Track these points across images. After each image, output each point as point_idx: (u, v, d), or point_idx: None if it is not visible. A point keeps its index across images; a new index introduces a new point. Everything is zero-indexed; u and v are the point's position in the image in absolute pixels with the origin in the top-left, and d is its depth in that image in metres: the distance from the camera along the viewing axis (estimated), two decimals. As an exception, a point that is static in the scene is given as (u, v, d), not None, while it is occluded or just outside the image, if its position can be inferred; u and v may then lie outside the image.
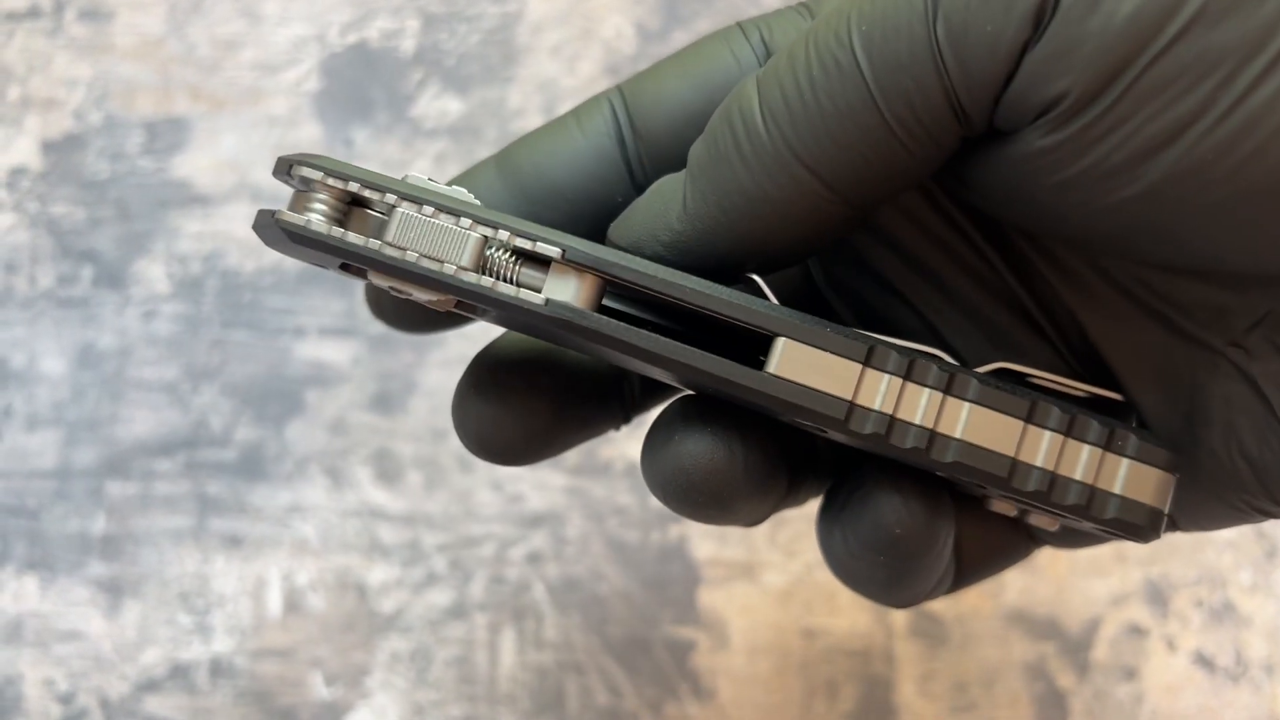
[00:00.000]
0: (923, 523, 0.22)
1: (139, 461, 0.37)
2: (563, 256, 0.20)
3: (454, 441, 0.37)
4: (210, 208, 0.39)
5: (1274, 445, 0.21)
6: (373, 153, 0.39)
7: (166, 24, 0.40)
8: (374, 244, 0.20)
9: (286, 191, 0.39)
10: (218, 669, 0.35)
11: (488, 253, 0.20)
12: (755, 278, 0.21)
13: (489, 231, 0.20)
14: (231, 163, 0.39)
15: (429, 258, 0.20)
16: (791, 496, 0.24)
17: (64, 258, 0.38)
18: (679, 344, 0.20)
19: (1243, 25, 0.17)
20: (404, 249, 0.20)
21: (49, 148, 0.39)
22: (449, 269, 0.20)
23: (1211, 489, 0.22)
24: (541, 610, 0.36)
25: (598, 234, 0.23)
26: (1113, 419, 0.21)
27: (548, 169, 0.23)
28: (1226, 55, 0.17)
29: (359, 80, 0.40)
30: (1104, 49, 0.18)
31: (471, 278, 0.20)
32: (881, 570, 0.22)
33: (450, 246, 0.20)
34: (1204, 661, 0.36)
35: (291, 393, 0.37)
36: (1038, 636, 0.36)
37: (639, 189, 0.23)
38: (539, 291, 0.20)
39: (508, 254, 0.20)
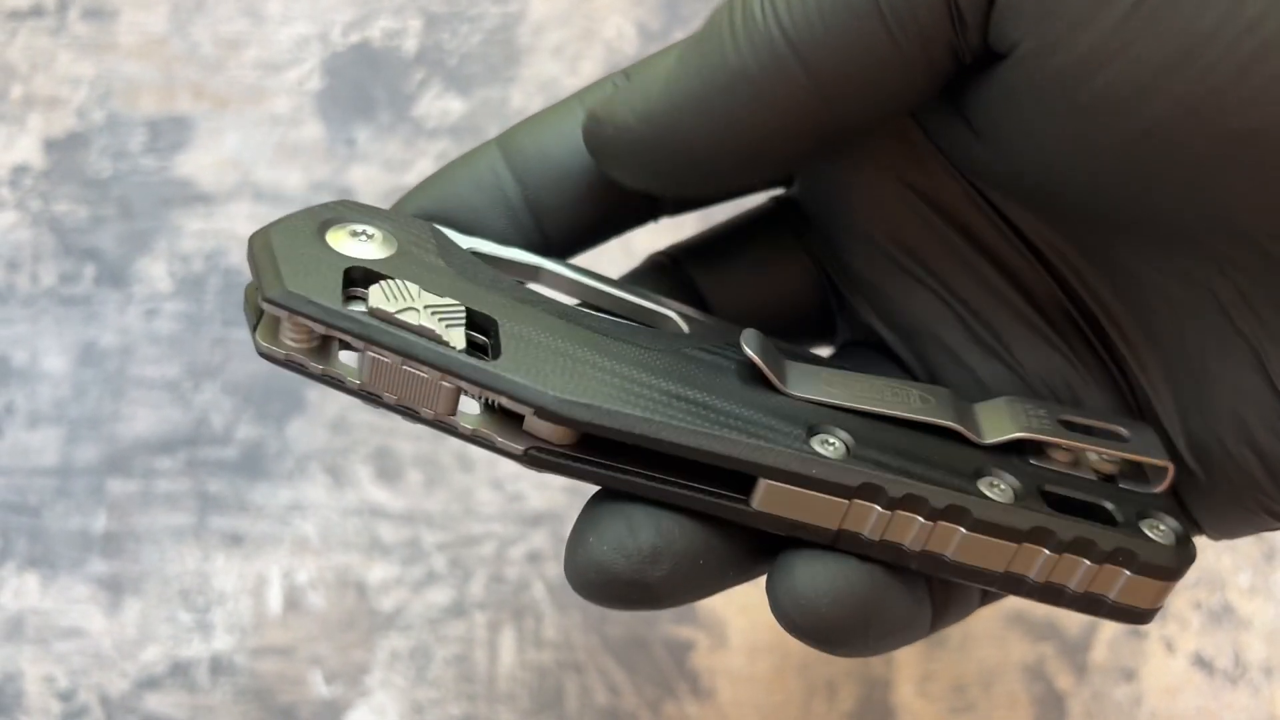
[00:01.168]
0: (905, 609, 0.21)
1: (140, 459, 0.37)
2: (535, 414, 0.19)
3: (454, 440, 0.37)
4: (212, 206, 0.39)
5: None
6: (374, 152, 0.39)
7: (169, 23, 0.40)
8: (352, 383, 0.20)
9: (288, 189, 0.39)
10: (218, 667, 0.35)
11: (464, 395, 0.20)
12: (750, 354, 0.21)
13: (462, 384, 0.19)
14: (234, 161, 0.39)
15: (404, 404, 0.20)
16: (743, 576, 0.23)
17: (66, 256, 0.38)
18: (664, 485, 0.20)
19: None
20: (378, 393, 0.20)
21: (52, 146, 0.39)
22: (426, 413, 0.20)
23: (1229, 493, 0.22)
24: (541, 609, 0.36)
25: (604, 215, 0.23)
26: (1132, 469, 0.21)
27: (552, 152, 0.23)
28: None
29: (361, 79, 0.40)
30: None
31: (450, 420, 0.20)
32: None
33: (424, 394, 0.19)
34: (1203, 663, 0.36)
35: (292, 391, 0.37)
36: (1037, 637, 0.36)
37: None
38: (520, 420, 0.20)
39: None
